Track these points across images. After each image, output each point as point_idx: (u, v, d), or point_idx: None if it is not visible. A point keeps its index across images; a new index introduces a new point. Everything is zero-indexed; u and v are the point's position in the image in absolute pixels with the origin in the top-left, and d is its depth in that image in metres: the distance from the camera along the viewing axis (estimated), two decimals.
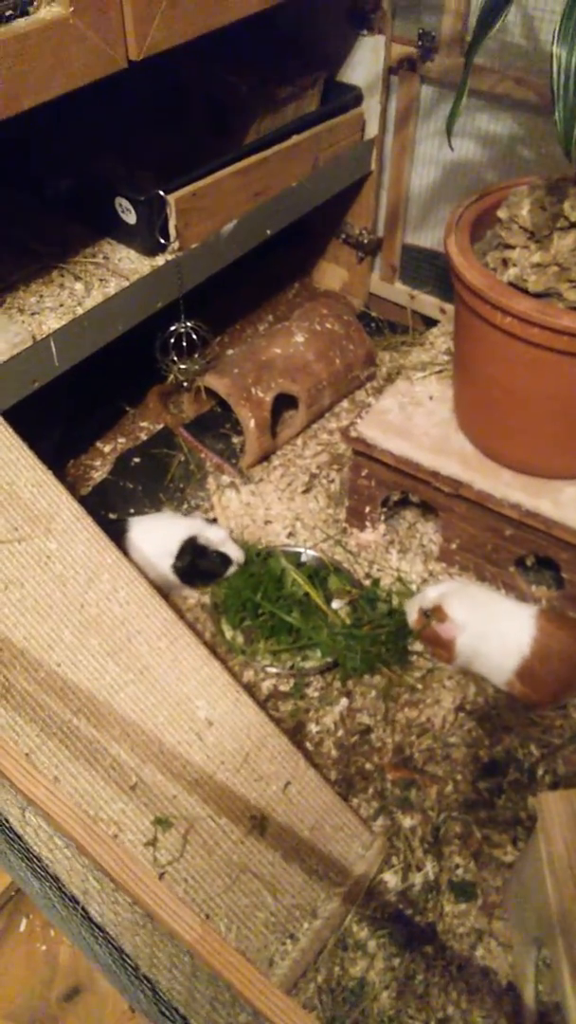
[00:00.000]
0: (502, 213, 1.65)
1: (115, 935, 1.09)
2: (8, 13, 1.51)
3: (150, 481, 2.38)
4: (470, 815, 1.70)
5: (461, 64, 2.21)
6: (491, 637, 1.79)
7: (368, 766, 1.78)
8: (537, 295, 1.57)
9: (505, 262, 1.63)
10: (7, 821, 1.12)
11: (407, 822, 1.69)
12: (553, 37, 1.31)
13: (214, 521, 2.08)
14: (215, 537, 1.97)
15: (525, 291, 1.57)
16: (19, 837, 1.11)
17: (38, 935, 1.63)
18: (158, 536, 1.95)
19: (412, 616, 1.87)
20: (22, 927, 1.64)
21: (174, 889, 1.44)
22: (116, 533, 1.87)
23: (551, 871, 1.26)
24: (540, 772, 1.76)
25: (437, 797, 1.73)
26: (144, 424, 2.55)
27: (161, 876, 1.46)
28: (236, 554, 1.99)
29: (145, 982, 1.06)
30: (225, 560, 1.98)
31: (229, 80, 2.29)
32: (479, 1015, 1.47)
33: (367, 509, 2.15)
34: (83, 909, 1.13)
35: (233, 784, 1.58)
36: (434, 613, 1.80)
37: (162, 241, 2.06)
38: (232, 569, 2.00)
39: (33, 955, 1.60)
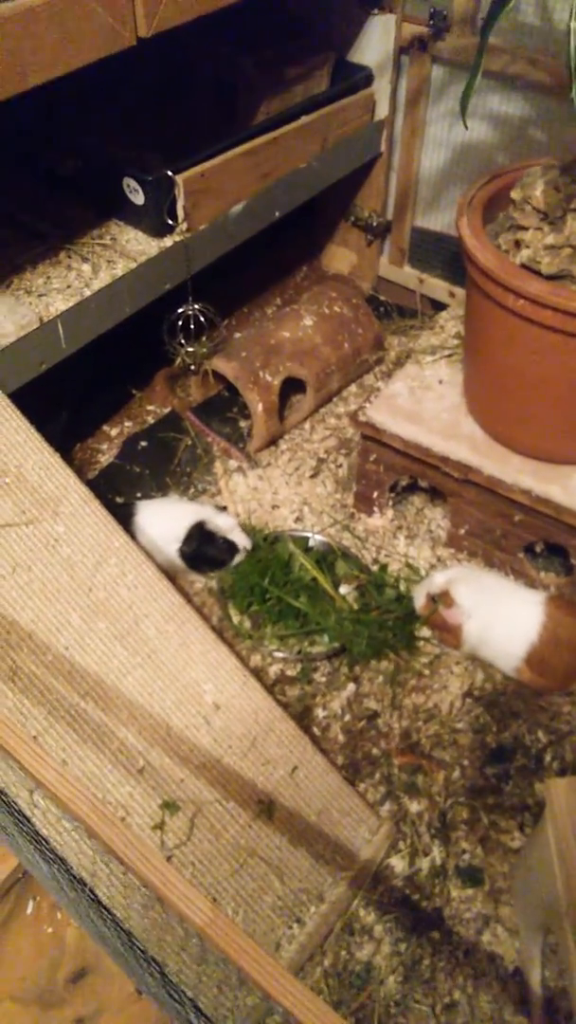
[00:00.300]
0: (515, 194, 1.63)
1: (123, 918, 1.09)
2: None
3: (157, 465, 2.37)
4: (477, 801, 1.70)
5: (473, 44, 2.19)
6: (499, 623, 1.78)
7: (375, 751, 1.77)
8: (550, 277, 1.55)
9: (518, 244, 1.61)
10: (15, 803, 1.12)
11: (414, 807, 1.69)
12: (570, 14, 1.29)
13: (224, 509, 2.07)
14: (224, 524, 1.96)
15: (538, 273, 1.56)
16: (27, 819, 1.10)
17: (45, 917, 1.63)
18: (166, 520, 1.94)
19: (420, 601, 1.87)
20: (29, 909, 1.64)
21: (181, 873, 1.44)
22: (124, 516, 1.86)
23: (559, 857, 1.25)
24: (548, 758, 1.76)
25: (444, 782, 1.72)
26: (151, 407, 2.53)
27: (169, 859, 1.46)
28: (244, 542, 1.98)
29: (153, 965, 1.06)
30: (232, 548, 1.97)
31: (238, 60, 2.26)
32: (485, 1000, 1.47)
33: (375, 494, 2.14)
34: (91, 891, 1.13)
35: (240, 768, 1.57)
36: (441, 599, 1.80)
37: (170, 222, 2.04)
38: (238, 557, 1.99)
39: (40, 937, 1.61)
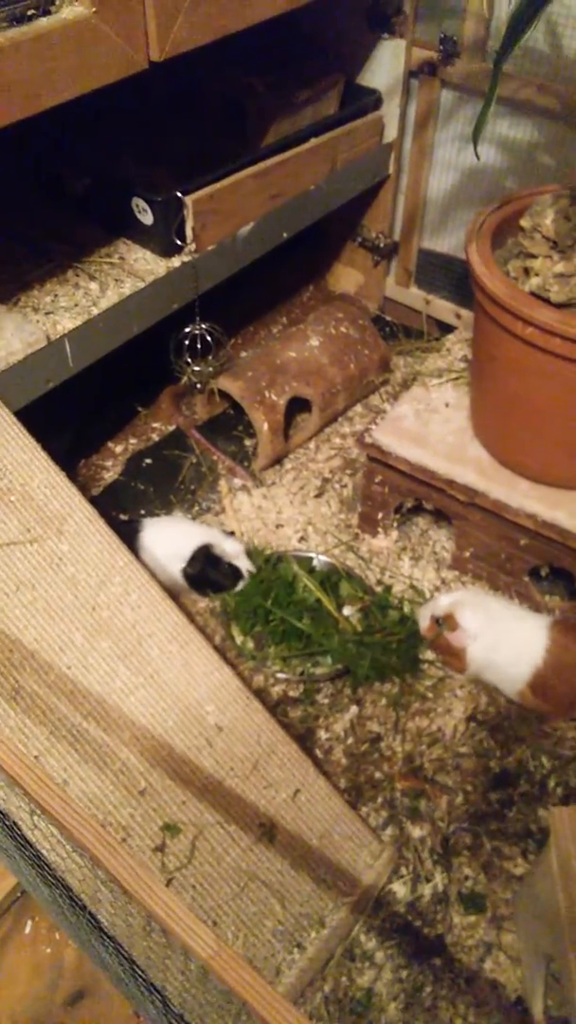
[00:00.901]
0: (525, 222, 1.64)
1: (125, 944, 1.08)
2: (30, 12, 1.50)
3: (161, 483, 2.37)
4: (480, 826, 1.69)
5: (482, 69, 2.20)
6: (503, 647, 1.78)
7: (378, 775, 1.76)
8: (559, 305, 1.55)
9: (527, 271, 1.62)
10: (17, 826, 1.11)
11: (416, 832, 1.68)
12: None
13: (231, 533, 2.07)
14: (230, 550, 1.96)
15: (547, 301, 1.56)
16: (29, 843, 1.10)
17: (43, 938, 1.62)
18: (172, 539, 1.94)
19: (424, 623, 1.86)
20: (27, 930, 1.63)
21: (182, 896, 1.43)
22: (129, 533, 1.86)
23: (563, 885, 1.25)
24: (552, 784, 1.75)
25: (447, 807, 1.71)
26: (156, 425, 2.54)
27: (169, 882, 1.45)
28: (247, 568, 1.99)
29: (155, 992, 1.05)
30: (236, 573, 1.97)
31: (248, 82, 2.28)
32: None
33: (380, 515, 2.14)
34: (92, 916, 1.12)
35: (242, 791, 1.57)
36: (446, 621, 1.79)
37: (178, 242, 2.05)
38: (242, 584, 1.99)
39: (38, 958, 1.60)
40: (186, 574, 1.93)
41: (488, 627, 1.79)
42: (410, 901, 1.60)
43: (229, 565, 1.95)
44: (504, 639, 1.79)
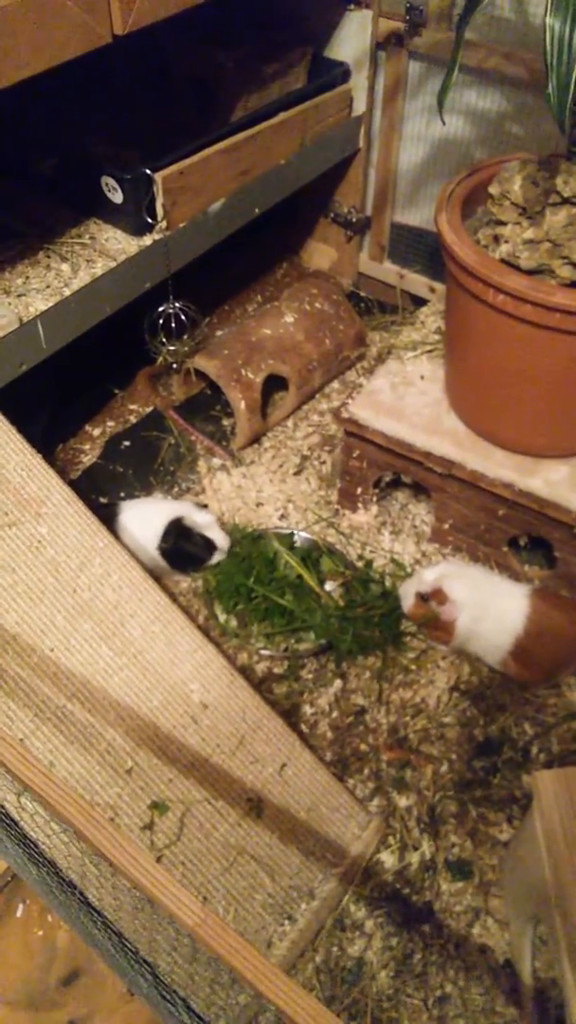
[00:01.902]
0: (493, 189, 1.63)
1: (114, 919, 1.09)
2: None
3: (140, 465, 2.36)
4: (465, 794, 1.71)
5: (449, 39, 2.19)
6: (488, 617, 1.78)
7: (363, 747, 1.78)
8: (529, 272, 1.55)
9: (497, 239, 1.62)
10: (2, 807, 1.11)
11: (403, 802, 1.70)
12: (546, 9, 1.29)
13: (205, 506, 2.06)
14: (201, 520, 1.95)
15: (517, 268, 1.56)
16: (15, 823, 1.10)
17: (35, 920, 1.62)
18: (148, 518, 1.93)
19: (408, 601, 1.85)
20: (19, 912, 1.63)
21: (171, 872, 1.44)
22: (107, 517, 1.85)
23: (548, 849, 1.26)
24: (534, 751, 1.77)
25: (432, 777, 1.73)
26: (133, 407, 2.52)
27: (158, 860, 1.46)
28: (221, 541, 1.97)
29: (145, 966, 1.05)
30: (209, 545, 1.96)
31: (215, 56, 2.25)
32: (477, 992, 1.48)
33: (359, 490, 2.14)
34: (81, 894, 1.12)
35: (229, 767, 1.57)
36: (435, 596, 1.78)
37: (149, 220, 2.03)
38: (217, 557, 1.98)
39: (31, 941, 1.60)
40: (162, 551, 1.92)
41: (474, 598, 1.79)
42: (398, 870, 1.61)
43: (202, 536, 1.94)
44: (488, 609, 1.79)
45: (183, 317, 2.25)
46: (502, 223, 1.61)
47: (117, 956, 1.17)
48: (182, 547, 1.93)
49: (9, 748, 0.90)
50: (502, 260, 1.58)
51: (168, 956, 1.20)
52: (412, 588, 1.84)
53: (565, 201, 1.54)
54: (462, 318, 1.74)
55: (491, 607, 1.78)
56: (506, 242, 1.59)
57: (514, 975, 1.49)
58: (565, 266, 1.54)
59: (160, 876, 0.81)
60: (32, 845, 1.11)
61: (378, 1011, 1.46)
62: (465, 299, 1.65)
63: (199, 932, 0.79)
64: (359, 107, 2.48)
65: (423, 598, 1.80)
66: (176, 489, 2.29)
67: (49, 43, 1.54)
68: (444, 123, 1.74)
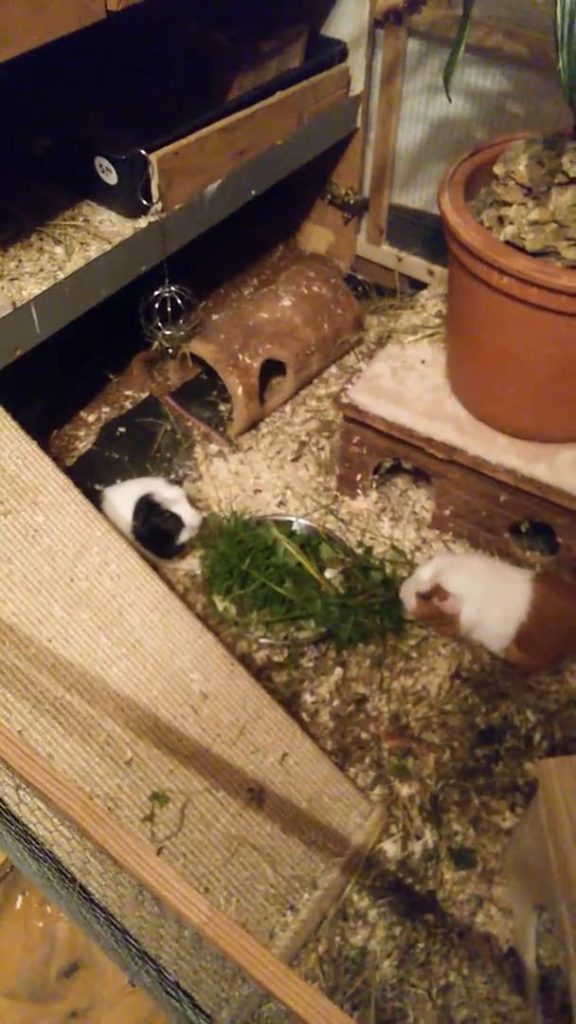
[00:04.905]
0: (498, 169, 1.60)
1: (117, 914, 1.07)
2: None
3: (136, 451, 2.33)
4: (468, 782, 1.69)
5: (449, 16, 2.15)
6: (491, 605, 1.76)
7: (364, 735, 1.76)
8: (535, 254, 1.53)
9: (501, 220, 1.59)
10: (2, 801, 1.09)
11: (405, 791, 1.68)
12: None
13: (178, 483, 1.99)
14: (169, 495, 1.90)
15: (522, 250, 1.53)
16: (16, 818, 1.08)
17: (35, 912, 1.61)
18: (122, 503, 1.90)
19: (411, 602, 1.81)
20: (18, 904, 1.62)
21: (173, 864, 1.43)
22: (97, 504, 1.82)
23: (552, 837, 1.25)
24: (537, 738, 1.75)
25: (434, 765, 1.72)
26: (129, 392, 2.49)
27: (159, 851, 1.44)
28: (189, 518, 1.92)
29: (149, 961, 1.04)
30: (177, 520, 1.91)
31: (211, 35, 2.21)
32: (481, 981, 1.47)
33: (358, 476, 2.12)
34: (82, 888, 1.11)
35: (230, 757, 1.56)
36: (435, 592, 1.76)
37: (144, 202, 1.99)
38: (185, 534, 1.93)
39: (30, 932, 1.59)
40: (136, 532, 1.88)
41: (474, 586, 1.77)
42: (401, 859, 1.60)
43: (169, 512, 1.89)
44: (492, 596, 1.76)
45: (179, 301, 2.22)
46: (507, 204, 1.58)
47: (120, 951, 1.16)
48: (154, 525, 1.88)
49: (8, 742, 0.88)
50: (506, 242, 1.56)
51: (171, 949, 1.19)
52: (411, 590, 1.81)
53: (571, 181, 1.52)
54: (465, 301, 1.71)
55: (495, 595, 1.76)
56: (511, 223, 1.56)
57: (518, 963, 1.48)
58: (571, 248, 1.51)
59: (166, 874, 0.79)
60: (32, 840, 1.10)
61: (382, 1001, 1.45)
62: (469, 282, 1.62)
63: (206, 931, 0.77)
64: (357, 86, 2.43)
65: (424, 598, 1.77)
66: (173, 476, 2.26)
67: (42, 19, 1.50)
68: (450, 100, 1.70)
